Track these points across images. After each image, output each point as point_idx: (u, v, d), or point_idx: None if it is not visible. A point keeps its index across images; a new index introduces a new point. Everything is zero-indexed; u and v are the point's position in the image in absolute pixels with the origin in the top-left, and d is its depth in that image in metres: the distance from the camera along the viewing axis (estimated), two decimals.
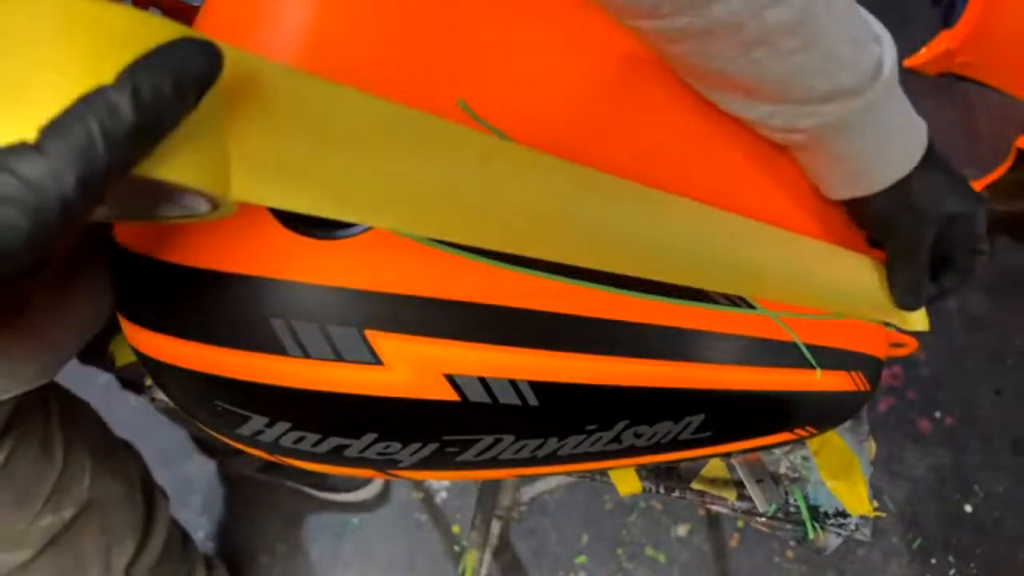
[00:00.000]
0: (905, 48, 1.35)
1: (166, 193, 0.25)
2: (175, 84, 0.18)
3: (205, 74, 0.19)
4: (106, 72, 0.17)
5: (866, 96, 0.32)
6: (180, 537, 0.81)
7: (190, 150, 0.20)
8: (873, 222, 0.39)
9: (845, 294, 0.40)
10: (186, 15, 0.37)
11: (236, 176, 0.22)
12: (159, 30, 0.19)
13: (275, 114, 0.23)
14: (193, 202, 0.24)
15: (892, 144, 0.35)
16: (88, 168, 0.17)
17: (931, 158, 0.37)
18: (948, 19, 1.35)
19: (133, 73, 0.17)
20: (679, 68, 0.34)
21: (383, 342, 0.29)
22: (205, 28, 0.32)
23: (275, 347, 0.29)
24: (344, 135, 0.25)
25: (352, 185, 0.25)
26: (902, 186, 0.36)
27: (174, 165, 0.20)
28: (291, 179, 0.23)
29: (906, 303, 0.41)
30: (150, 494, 0.70)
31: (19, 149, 0.16)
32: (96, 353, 0.56)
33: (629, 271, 0.31)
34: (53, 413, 0.55)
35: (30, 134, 0.16)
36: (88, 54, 0.17)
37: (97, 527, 0.60)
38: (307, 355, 0.29)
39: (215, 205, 0.23)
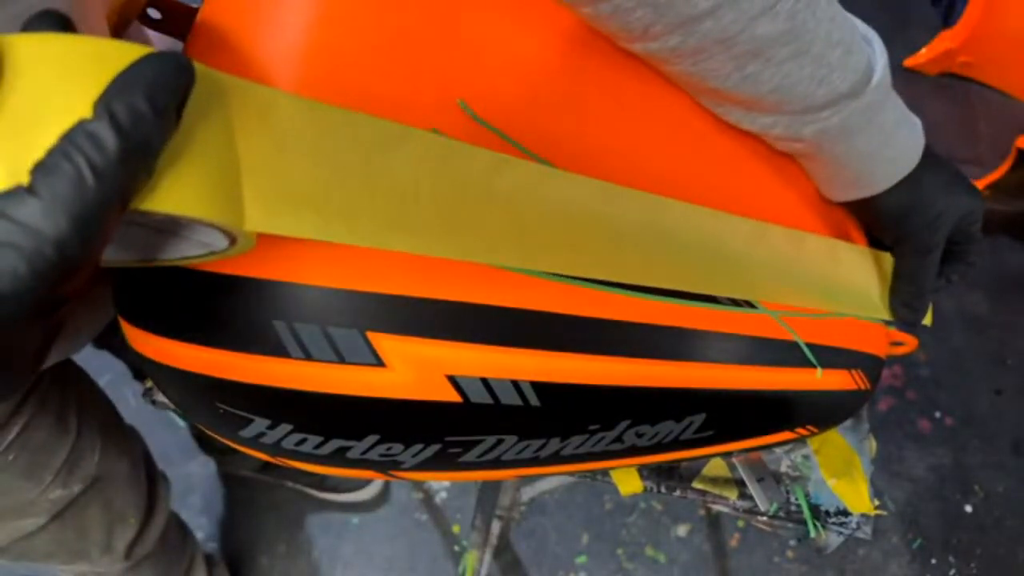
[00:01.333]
0: (905, 48, 1.35)
1: (183, 232, 0.25)
2: (150, 100, 0.18)
3: (176, 83, 0.19)
4: (84, 104, 0.17)
5: (863, 98, 0.33)
6: (180, 530, 0.82)
7: (194, 182, 0.20)
8: (885, 223, 0.39)
9: (848, 293, 0.40)
10: (185, 16, 0.37)
11: (250, 207, 0.22)
12: (127, 53, 0.19)
13: (284, 143, 0.23)
14: (210, 238, 0.24)
15: (893, 142, 0.35)
16: (81, 203, 0.17)
17: (930, 155, 0.37)
18: (948, 19, 1.35)
19: (107, 100, 0.17)
20: (680, 85, 0.35)
21: (385, 343, 0.29)
22: (203, 33, 0.32)
23: (277, 349, 0.29)
24: (353, 161, 0.25)
25: (363, 211, 0.25)
26: (909, 183, 0.37)
27: (179, 197, 0.20)
28: (304, 208, 0.23)
29: (903, 316, 0.41)
30: (152, 477, 0.71)
31: (14, 193, 0.16)
32: (110, 335, 0.56)
33: (637, 280, 0.31)
34: (70, 389, 0.56)
35: (23, 177, 0.17)
36: (64, 89, 0.17)
37: (101, 504, 0.61)
38: (309, 357, 0.29)
39: (232, 240, 0.23)
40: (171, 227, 0.25)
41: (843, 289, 0.40)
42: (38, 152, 0.17)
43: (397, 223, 0.25)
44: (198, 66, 0.21)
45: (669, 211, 0.33)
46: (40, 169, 0.17)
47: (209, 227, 0.22)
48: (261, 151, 0.22)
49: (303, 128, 0.24)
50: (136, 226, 0.25)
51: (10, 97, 0.17)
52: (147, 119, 0.18)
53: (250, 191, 0.22)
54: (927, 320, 0.45)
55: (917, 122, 0.37)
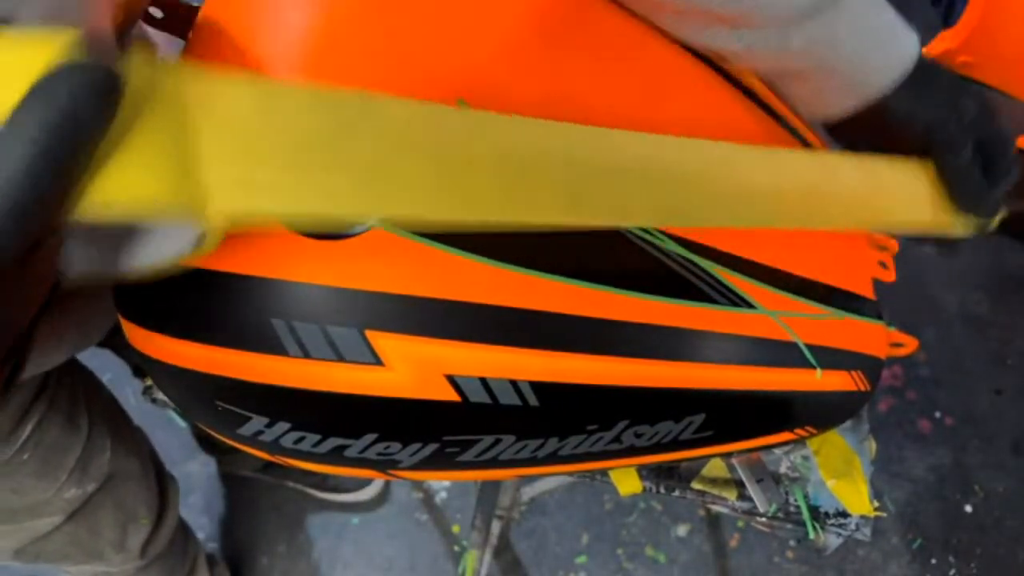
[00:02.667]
0: None
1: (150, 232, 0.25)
2: (64, 116, 0.18)
3: (96, 103, 0.18)
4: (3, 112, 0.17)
5: (848, 2, 0.33)
6: (183, 530, 0.82)
7: (144, 175, 0.20)
8: (904, 131, 0.38)
9: (897, 205, 0.38)
10: (187, 14, 0.37)
11: (214, 191, 0.22)
12: (49, 52, 0.18)
13: (245, 127, 0.23)
14: (177, 244, 0.24)
15: (886, 42, 0.36)
16: (9, 204, 0.17)
17: (929, 64, 0.37)
18: (948, 19, 1.35)
19: (16, 116, 0.17)
20: (668, 24, 0.35)
21: (384, 342, 0.29)
22: (204, 31, 0.32)
23: (276, 347, 0.29)
24: (318, 138, 0.24)
25: (335, 184, 0.24)
26: (913, 85, 0.37)
27: (127, 186, 0.19)
28: (269, 189, 0.23)
29: (972, 223, 0.40)
30: (162, 476, 0.71)
31: None
32: (112, 333, 0.57)
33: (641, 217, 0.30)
34: (78, 388, 0.56)
35: None
36: None
37: (114, 503, 0.61)
38: (308, 355, 0.29)
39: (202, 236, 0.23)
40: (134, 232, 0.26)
41: (891, 202, 0.38)
42: None
43: (372, 192, 0.25)
44: (146, 60, 0.20)
45: (672, 145, 0.32)
46: None
47: (170, 216, 0.22)
48: (221, 140, 0.22)
49: (264, 113, 0.23)
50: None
51: None
52: (60, 132, 0.18)
53: (212, 177, 0.22)
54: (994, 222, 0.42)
55: (909, 30, 0.37)
